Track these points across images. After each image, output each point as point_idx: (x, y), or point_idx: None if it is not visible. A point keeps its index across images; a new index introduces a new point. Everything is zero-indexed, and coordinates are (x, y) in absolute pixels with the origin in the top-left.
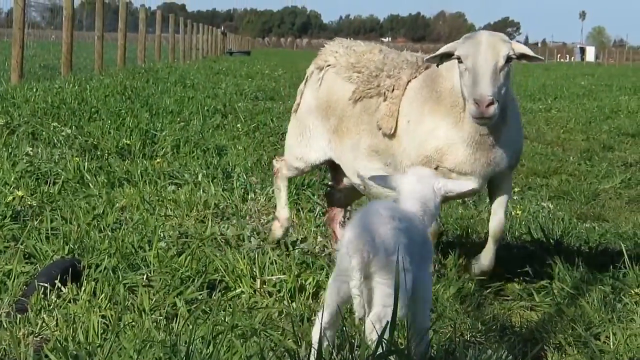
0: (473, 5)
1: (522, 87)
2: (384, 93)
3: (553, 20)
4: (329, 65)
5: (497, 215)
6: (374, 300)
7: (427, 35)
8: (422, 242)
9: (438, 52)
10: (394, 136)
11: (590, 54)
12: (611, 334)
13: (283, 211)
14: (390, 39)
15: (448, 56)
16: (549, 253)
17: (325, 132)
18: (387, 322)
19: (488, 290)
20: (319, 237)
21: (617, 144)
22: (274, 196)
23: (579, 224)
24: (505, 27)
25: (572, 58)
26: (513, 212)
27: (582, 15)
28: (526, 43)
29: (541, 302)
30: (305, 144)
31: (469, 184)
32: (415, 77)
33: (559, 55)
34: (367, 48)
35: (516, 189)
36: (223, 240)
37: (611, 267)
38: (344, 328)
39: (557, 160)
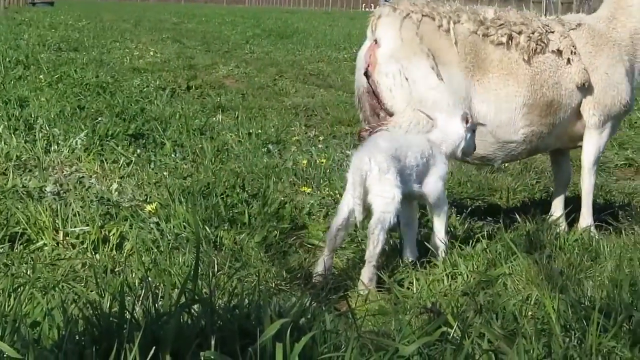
0: None
1: (327, 37)
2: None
3: None
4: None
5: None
6: (374, 208)
7: None
8: (427, 158)
9: None
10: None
11: None
12: (414, 279)
13: None
14: None
15: None
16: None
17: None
18: (387, 223)
19: (293, 239)
20: (123, 187)
21: None
22: (77, 147)
23: None
24: None
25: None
26: (317, 160)
27: None
28: None
29: (347, 248)
30: None
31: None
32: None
33: (364, 4)
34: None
35: (321, 138)
36: (25, 193)
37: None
38: None
39: None
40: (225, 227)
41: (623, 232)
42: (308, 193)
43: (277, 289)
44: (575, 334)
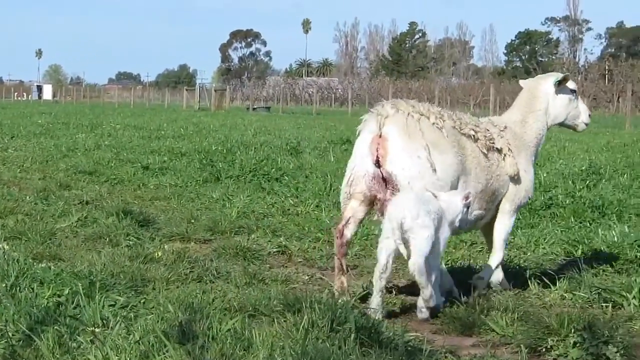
0: None
1: None
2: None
3: (9, 57)
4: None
5: None
6: (412, 249)
7: None
8: (439, 215)
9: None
10: None
11: (48, 92)
12: None
13: None
14: None
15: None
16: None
17: None
18: (422, 262)
19: None
20: None
21: (73, 182)
22: None
23: (35, 264)
24: None
25: (30, 96)
26: None
27: (39, 53)
28: None
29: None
30: None
31: None
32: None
33: (16, 93)
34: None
35: None
36: None
37: (66, 306)
38: None
39: (13, 200)
40: None
41: (275, 320)
42: None
43: None
44: None
